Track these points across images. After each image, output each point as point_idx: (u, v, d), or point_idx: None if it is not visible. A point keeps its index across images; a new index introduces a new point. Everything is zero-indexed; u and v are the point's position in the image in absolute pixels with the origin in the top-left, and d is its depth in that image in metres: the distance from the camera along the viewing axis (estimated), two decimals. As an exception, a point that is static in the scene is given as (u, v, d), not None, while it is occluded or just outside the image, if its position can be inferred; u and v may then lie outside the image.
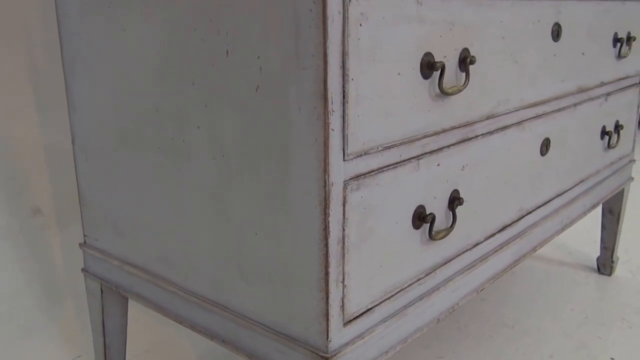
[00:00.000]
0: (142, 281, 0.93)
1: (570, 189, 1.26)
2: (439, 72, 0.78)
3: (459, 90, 0.81)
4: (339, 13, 0.63)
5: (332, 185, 0.67)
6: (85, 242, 1.06)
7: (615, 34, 1.31)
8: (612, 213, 1.59)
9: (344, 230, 0.70)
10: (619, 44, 1.33)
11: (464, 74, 0.84)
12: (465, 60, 0.83)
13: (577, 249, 1.81)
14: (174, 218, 0.86)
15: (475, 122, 0.90)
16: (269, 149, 0.71)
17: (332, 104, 0.65)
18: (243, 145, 0.74)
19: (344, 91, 0.66)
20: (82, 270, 1.05)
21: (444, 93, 0.79)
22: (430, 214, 0.82)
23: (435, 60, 0.78)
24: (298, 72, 0.65)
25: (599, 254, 1.67)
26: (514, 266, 1.08)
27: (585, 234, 1.89)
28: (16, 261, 1.32)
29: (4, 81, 1.18)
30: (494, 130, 0.95)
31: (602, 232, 1.63)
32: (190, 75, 0.78)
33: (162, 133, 0.84)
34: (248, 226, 0.76)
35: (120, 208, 0.95)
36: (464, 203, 0.90)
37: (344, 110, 0.66)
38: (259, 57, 0.69)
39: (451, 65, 0.81)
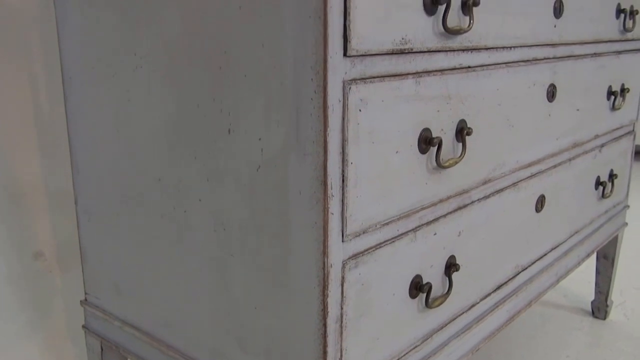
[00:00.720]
0: (142, 343, 0.94)
1: (564, 241, 1.27)
2: (436, 147, 0.79)
3: (456, 163, 0.83)
4: (339, 101, 0.65)
5: (331, 266, 0.68)
6: (86, 300, 1.06)
7: (610, 87, 1.33)
8: (606, 258, 1.61)
9: (342, 308, 0.71)
10: (612, 97, 1.35)
11: (460, 144, 0.85)
12: (462, 132, 0.84)
13: (572, 290, 1.83)
14: (176, 284, 0.87)
15: (471, 189, 0.91)
16: (269, 227, 0.72)
17: (331, 188, 0.66)
18: (244, 221, 0.75)
19: (343, 175, 0.67)
20: (83, 327, 1.06)
21: (441, 167, 0.80)
22: (427, 283, 0.83)
23: (433, 135, 0.79)
24: (298, 158, 0.67)
25: (593, 297, 1.68)
26: (509, 323, 1.09)
27: (580, 274, 1.90)
28: (18, 308, 1.33)
29: (7, 123, 1.19)
30: (489, 194, 0.97)
31: (596, 276, 1.64)
32: (193, 149, 0.79)
33: (164, 201, 0.85)
34: (248, 299, 0.77)
35: (122, 269, 0.96)
36: (460, 268, 0.92)
37: (343, 194, 0.68)
38: (260, 138, 0.71)
39: (448, 137, 0.83)
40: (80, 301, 1.07)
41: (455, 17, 0.79)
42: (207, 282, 0.82)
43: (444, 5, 0.75)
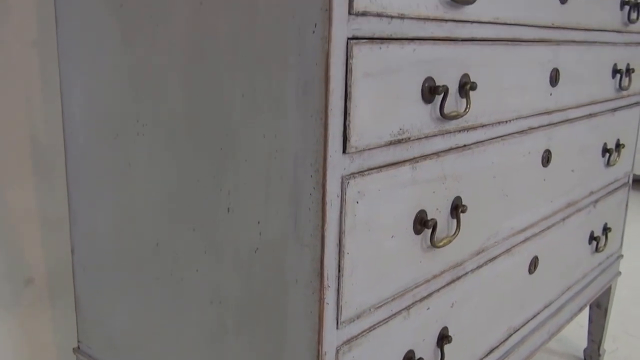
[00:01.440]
0: (137, 404, 0.95)
1: (557, 299, 1.29)
2: (431, 228, 0.81)
3: (450, 242, 0.84)
4: (338, 196, 0.67)
5: (325, 354, 0.69)
6: (79, 348, 1.08)
7: (605, 144, 1.35)
8: (599, 307, 1.62)
9: (335, 392, 0.72)
10: (607, 154, 1.37)
11: (455, 220, 0.87)
12: (456, 209, 0.86)
13: (564, 335, 1.84)
14: (169, 346, 0.88)
15: (465, 261, 0.93)
16: (265, 309, 0.74)
17: (327, 279, 0.68)
18: (240, 299, 0.76)
19: (339, 266, 0.69)
20: (77, 379, 1.07)
21: (435, 247, 0.82)
22: (420, 358, 0.85)
23: (428, 217, 0.81)
24: (296, 247, 0.68)
25: (586, 344, 1.69)
26: (501, 385, 1.10)
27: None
28: (7, 337, 1.33)
29: (1, 147, 1.20)
30: (483, 264, 0.98)
31: (589, 324, 1.65)
32: (192, 221, 0.81)
33: (161, 266, 0.87)
34: (242, 376, 0.78)
35: (116, 323, 0.97)
36: (453, 338, 0.93)
37: (338, 284, 0.69)
38: (259, 222, 0.72)
39: (443, 215, 0.85)
40: (73, 349, 1.08)
41: (452, 102, 0.81)
42: (200, 352, 0.83)
43: (442, 94, 0.77)
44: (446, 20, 0.77)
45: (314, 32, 0.62)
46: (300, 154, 0.66)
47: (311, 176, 0.65)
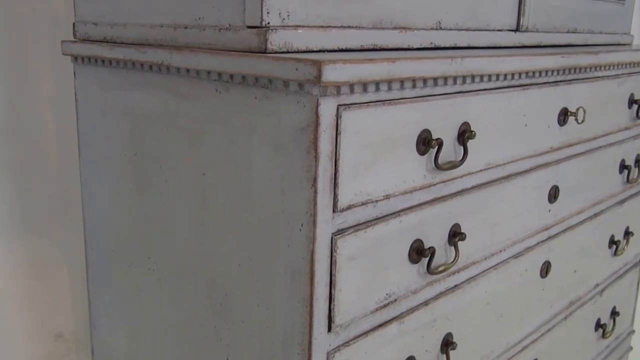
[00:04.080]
0: None
1: (559, 392, 1.32)
2: (419, 373, 0.86)
3: (439, 380, 0.89)
4: (323, 367, 0.72)
5: None
6: None
7: (612, 236, 1.37)
8: (609, 382, 1.64)
9: None
10: (614, 246, 1.39)
11: (444, 355, 0.91)
12: (447, 346, 0.90)
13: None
14: None
15: (457, 387, 0.97)
16: None
17: None
18: None
19: None
20: None
21: (423, 388, 0.87)
22: None
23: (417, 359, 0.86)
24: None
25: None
26: None
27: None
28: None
29: (31, 195, 1.26)
30: (477, 383, 1.03)
31: (599, 398, 1.67)
32: (197, 358, 0.87)
33: (171, 392, 0.94)
34: None
35: None
36: None
37: None
38: (254, 378, 0.78)
39: (433, 355, 0.89)
40: None
41: (441, 254, 0.85)
42: None
43: (429, 255, 0.81)
44: (435, 184, 0.81)
45: (300, 230, 0.68)
46: (289, 331, 0.71)
47: (298, 353, 0.71)
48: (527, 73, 0.93)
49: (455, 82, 0.80)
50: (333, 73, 0.62)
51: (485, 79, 0.85)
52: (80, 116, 0.99)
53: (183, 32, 0.79)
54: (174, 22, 0.81)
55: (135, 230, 0.93)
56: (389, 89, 0.71)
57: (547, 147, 1.04)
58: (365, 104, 0.69)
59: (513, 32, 1.08)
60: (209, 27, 0.75)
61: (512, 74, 0.90)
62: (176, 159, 0.83)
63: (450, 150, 0.83)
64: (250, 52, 0.70)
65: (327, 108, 0.64)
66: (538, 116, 1.00)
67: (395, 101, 0.73)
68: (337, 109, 0.66)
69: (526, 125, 0.97)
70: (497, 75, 0.87)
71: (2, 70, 1.13)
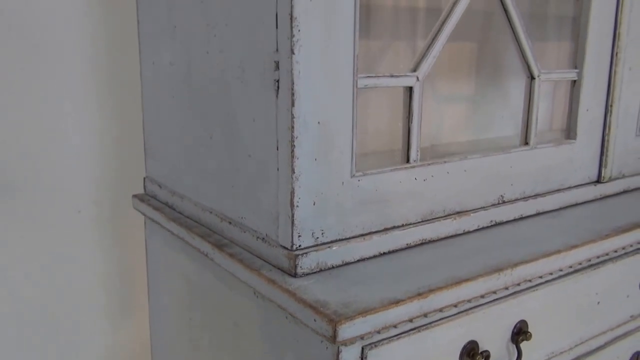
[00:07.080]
0: None
1: None
2: None
3: None
4: None
5: None
6: None
7: None
8: None
9: None
10: None
11: None
12: None
13: None
14: None
15: None
16: None
17: None
18: None
19: None
20: None
21: None
22: None
23: None
24: None
25: None
26: None
27: None
28: None
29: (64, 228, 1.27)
30: None
31: None
32: None
33: None
34: None
35: None
36: None
37: None
38: None
39: None
40: None
41: None
42: None
43: None
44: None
45: None
46: None
47: None
48: (598, 256, 0.86)
49: (507, 288, 0.75)
50: (350, 330, 0.59)
51: (545, 276, 0.79)
52: (150, 262, 1.03)
53: (227, 226, 0.80)
54: (221, 213, 0.81)
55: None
56: (425, 316, 0.67)
57: (627, 316, 0.95)
58: (396, 337, 0.66)
59: (593, 185, 1.00)
60: (249, 231, 0.75)
61: (580, 262, 0.83)
62: (223, 339, 0.83)
63: (502, 355, 0.77)
64: (282, 270, 0.70)
65: (351, 353, 0.62)
66: (613, 290, 0.91)
67: (434, 324, 0.69)
68: (362, 350, 0.63)
69: (599, 303, 0.90)
70: (560, 269, 0.81)
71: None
